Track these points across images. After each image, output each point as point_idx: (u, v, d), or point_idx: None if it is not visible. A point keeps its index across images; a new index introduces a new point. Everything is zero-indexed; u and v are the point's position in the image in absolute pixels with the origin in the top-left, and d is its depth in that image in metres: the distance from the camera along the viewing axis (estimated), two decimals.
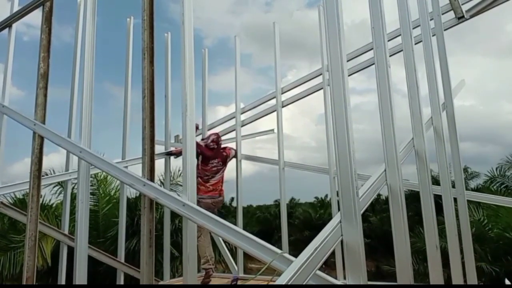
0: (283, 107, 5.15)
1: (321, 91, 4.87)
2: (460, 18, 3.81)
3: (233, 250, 5.59)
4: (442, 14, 3.31)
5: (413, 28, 2.54)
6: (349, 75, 1.67)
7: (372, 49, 2.01)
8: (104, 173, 8.46)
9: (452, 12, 3.89)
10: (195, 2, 2.63)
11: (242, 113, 5.46)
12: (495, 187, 12.05)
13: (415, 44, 2.47)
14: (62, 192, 8.20)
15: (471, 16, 3.82)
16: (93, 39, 3.03)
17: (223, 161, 4.75)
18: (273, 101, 5.25)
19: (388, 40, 2.04)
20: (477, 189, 12.74)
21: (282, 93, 5.18)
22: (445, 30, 3.27)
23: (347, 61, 1.72)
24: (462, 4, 3.82)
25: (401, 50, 2.48)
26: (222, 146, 4.98)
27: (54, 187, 7.98)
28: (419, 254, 8.27)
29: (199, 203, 4.29)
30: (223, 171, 4.76)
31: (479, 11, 3.77)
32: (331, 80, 1.60)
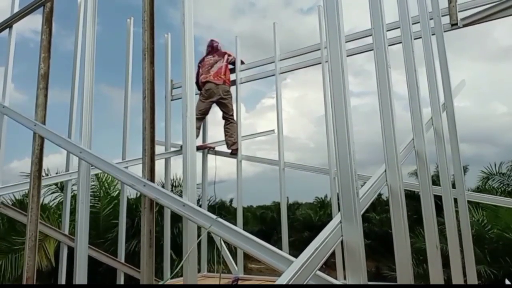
0: (281, 73, 5.15)
1: (321, 90, 4.88)
2: (453, 25, 3.80)
3: (233, 250, 5.59)
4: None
5: (413, 28, 2.54)
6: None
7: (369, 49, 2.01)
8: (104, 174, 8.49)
9: (447, 17, 3.88)
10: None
11: (241, 83, 5.46)
12: (495, 185, 12.01)
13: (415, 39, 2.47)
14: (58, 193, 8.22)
15: (464, 26, 3.80)
16: (93, 40, 3.02)
17: (218, 54, 5.42)
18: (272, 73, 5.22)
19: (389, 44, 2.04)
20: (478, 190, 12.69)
21: (281, 60, 5.15)
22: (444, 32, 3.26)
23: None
24: (459, 12, 3.81)
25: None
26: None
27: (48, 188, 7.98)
28: (418, 254, 8.26)
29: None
30: (222, 62, 5.36)
31: (473, 22, 3.75)
32: (331, 79, 1.61)
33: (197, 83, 5.33)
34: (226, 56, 5.46)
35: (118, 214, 4.67)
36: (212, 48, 5.58)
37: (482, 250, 8.63)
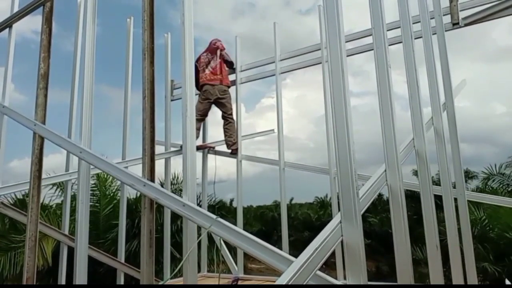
0: (281, 73, 5.16)
1: (321, 90, 4.88)
2: (455, 25, 3.78)
3: (233, 250, 5.59)
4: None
5: (413, 27, 2.53)
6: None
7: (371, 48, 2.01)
8: (105, 173, 8.48)
9: (448, 16, 3.86)
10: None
11: (241, 83, 5.47)
12: (495, 185, 12.04)
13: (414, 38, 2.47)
14: (61, 193, 8.23)
15: (465, 25, 3.78)
16: (93, 40, 3.02)
17: (211, 52, 5.42)
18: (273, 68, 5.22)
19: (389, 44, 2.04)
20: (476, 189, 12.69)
21: (281, 60, 5.15)
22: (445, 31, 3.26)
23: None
24: (460, 11, 3.80)
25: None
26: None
27: (50, 189, 8.01)
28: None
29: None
30: (215, 60, 5.36)
31: (474, 21, 3.72)
32: (331, 79, 1.60)
33: (196, 84, 5.31)
34: (218, 52, 5.41)
35: (118, 214, 4.67)
36: (210, 46, 5.55)
37: (486, 250, 8.62)
